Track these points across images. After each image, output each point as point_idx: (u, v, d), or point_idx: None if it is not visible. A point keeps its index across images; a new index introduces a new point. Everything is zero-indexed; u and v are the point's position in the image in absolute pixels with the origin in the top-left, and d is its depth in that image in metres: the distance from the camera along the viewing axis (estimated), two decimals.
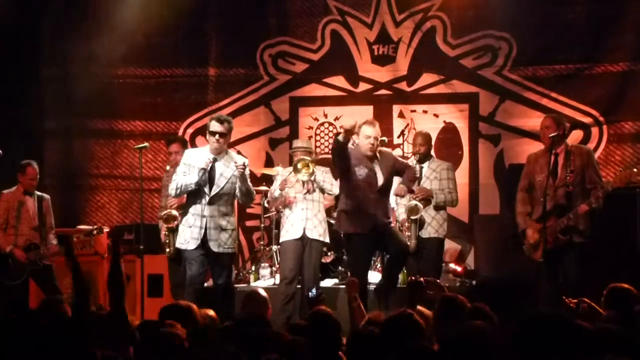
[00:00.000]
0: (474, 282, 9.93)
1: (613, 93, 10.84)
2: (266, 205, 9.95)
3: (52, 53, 11.68)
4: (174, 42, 11.64)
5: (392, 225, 8.70)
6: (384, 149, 8.79)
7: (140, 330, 5.21)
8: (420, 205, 9.11)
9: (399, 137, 10.86)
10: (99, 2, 11.50)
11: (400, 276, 9.39)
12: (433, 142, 10.16)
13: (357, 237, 8.38)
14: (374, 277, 9.61)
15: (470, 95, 11.27)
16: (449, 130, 11.26)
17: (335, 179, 8.98)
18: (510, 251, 9.42)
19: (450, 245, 10.44)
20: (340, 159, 8.30)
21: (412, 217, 9.10)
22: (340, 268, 10.03)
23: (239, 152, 11.28)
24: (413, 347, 4.30)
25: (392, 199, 9.13)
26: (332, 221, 9.98)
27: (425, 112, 11.32)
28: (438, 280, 8.08)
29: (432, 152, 9.75)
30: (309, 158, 9.06)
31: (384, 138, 9.91)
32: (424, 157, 9.37)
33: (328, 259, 10.11)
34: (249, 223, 11.50)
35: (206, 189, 8.25)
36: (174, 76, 11.79)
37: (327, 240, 9.33)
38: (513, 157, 10.92)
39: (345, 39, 11.52)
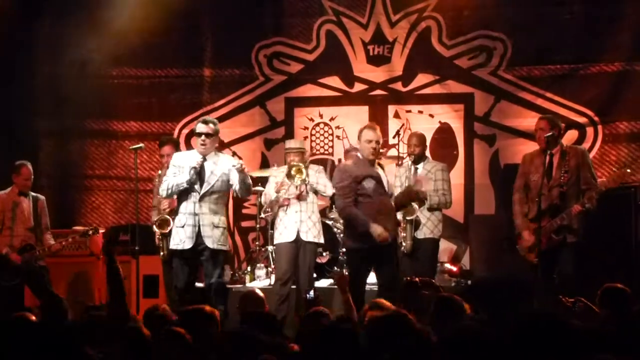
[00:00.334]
0: (469, 282, 9.94)
1: (608, 93, 10.85)
2: (263, 203, 9.94)
3: (46, 53, 11.66)
4: (169, 42, 11.62)
5: (396, 244, 8.60)
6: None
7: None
8: (415, 205, 9.11)
9: (394, 137, 10.83)
10: (94, 2, 11.48)
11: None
12: (428, 143, 10.19)
13: (355, 253, 8.35)
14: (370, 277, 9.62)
15: (466, 96, 11.27)
16: (444, 131, 11.27)
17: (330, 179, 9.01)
18: (506, 251, 9.44)
19: (445, 245, 10.45)
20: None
21: (408, 218, 9.10)
22: (335, 268, 10.02)
23: (234, 154, 11.35)
24: (409, 346, 4.30)
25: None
26: (329, 222, 10.01)
27: (420, 112, 11.33)
28: (433, 281, 8.10)
29: (427, 153, 9.75)
30: (301, 164, 9.07)
31: None
32: (418, 158, 9.36)
33: (324, 259, 10.11)
34: (244, 224, 11.50)
35: (197, 187, 8.31)
36: (169, 77, 11.77)
37: (322, 240, 9.35)
38: (508, 157, 10.93)
39: (340, 39, 11.52)
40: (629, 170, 8.74)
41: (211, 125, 8.40)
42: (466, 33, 11.20)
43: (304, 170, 8.98)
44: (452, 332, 4.28)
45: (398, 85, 11.37)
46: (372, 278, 9.45)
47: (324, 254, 10.09)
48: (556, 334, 4.04)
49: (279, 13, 11.67)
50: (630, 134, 10.81)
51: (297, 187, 9.11)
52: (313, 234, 9.18)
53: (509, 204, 8.79)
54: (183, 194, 8.39)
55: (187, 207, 8.35)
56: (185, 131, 11.61)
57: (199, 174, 8.31)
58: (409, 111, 11.32)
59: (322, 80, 11.54)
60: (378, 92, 11.44)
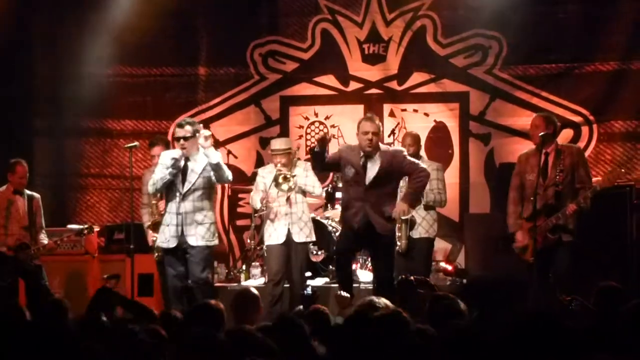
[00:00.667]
0: (464, 281, 9.95)
1: (603, 92, 10.85)
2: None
3: (42, 51, 11.65)
4: (164, 41, 11.62)
5: (392, 243, 8.55)
6: (392, 148, 8.78)
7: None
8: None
9: (389, 136, 10.85)
10: (90, 1, 11.46)
11: None
12: (423, 142, 10.19)
13: (344, 230, 8.55)
14: (365, 275, 9.63)
15: (461, 94, 11.27)
16: (440, 129, 11.27)
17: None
18: (501, 250, 9.44)
19: (440, 244, 10.45)
20: (318, 167, 8.55)
21: (403, 218, 9.09)
22: (330, 267, 10.02)
23: (229, 152, 11.36)
24: (407, 344, 4.30)
25: None
26: (324, 220, 10.00)
27: (415, 111, 11.32)
28: (428, 280, 8.10)
29: (422, 153, 9.74)
30: (287, 173, 9.04)
31: None
32: (413, 158, 9.32)
33: (318, 257, 10.10)
34: (239, 222, 11.50)
35: (179, 187, 8.38)
36: (164, 75, 11.77)
37: (314, 238, 9.36)
38: (503, 156, 10.93)
39: (335, 38, 11.51)
40: (623, 170, 8.74)
41: (187, 127, 8.40)
42: (461, 32, 11.19)
43: (291, 178, 8.98)
44: (448, 331, 4.28)
45: (393, 84, 11.37)
46: (362, 277, 9.50)
47: (319, 252, 10.08)
48: (552, 334, 4.04)
49: (274, 12, 11.66)
50: (625, 133, 10.81)
51: (286, 194, 9.10)
52: (305, 233, 9.19)
53: (504, 203, 8.79)
54: (169, 194, 8.49)
55: (171, 206, 8.45)
56: None
57: (183, 173, 8.38)
58: (404, 110, 11.32)
59: (317, 79, 11.54)
60: (373, 90, 11.43)
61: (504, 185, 8.89)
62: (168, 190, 8.49)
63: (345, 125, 11.14)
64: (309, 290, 8.59)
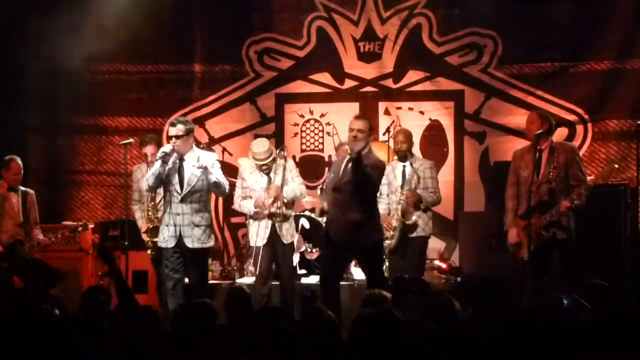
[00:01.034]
0: (458, 279, 9.95)
1: (598, 91, 10.88)
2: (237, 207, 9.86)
3: (36, 48, 11.60)
4: (159, 38, 11.60)
5: (376, 245, 8.31)
6: (377, 156, 8.51)
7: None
8: (416, 213, 9.12)
9: (384, 134, 10.84)
10: None
11: (385, 273, 9.42)
12: (419, 140, 10.19)
13: (328, 240, 8.28)
14: (359, 273, 9.62)
15: (456, 93, 11.28)
16: (435, 128, 11.28)
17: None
18: (495, 248, 9.46)
19: (435, 242, 10.45)
20: None
21: (408, 222, 9.08)
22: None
23: (224, 150, 11.35)
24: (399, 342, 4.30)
25: (386, 200, 9.16)
26: (319, 219, 9.99)
27: (410, 109, 11.33)
28: (422, 278, 8.11)
29: (414, 150, 9.73)
30: (282, 214, 8.94)
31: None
32: (405, 155, 9.32)
33: (313, 255, 10.11)
34: (234, 220, 11.49)
35: (177, 189, 8.40)
36: (160, 72, 11.76)
37: (296, 236, 9.29)
38: (498, 154, 10.95)
39: (331, 35, 11.51)
40: (616, 166, 8.75)
41: (180, 126, 8.41)
42: (457, 30, 11.21)
43: (281, 202, 8.91)
44: (443, 329, 4.29)
45: (389, 82, 11.38)
46: (357, 275, 9.49)
47: (314, 250, 10.08)
48: (547, 332, 4.04)
49: (270, 9, 11.66)
50: (619, 132, 10.83)
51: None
52: (291, 234, 9.10)
53: (499, 201, 8.80)
54: (167, 194, 8.52)
55: (170, 206, 8.50)
56: None
57: (179, 175, 8.40)
58: (400, 108, 11.33)
59: (312, 77, 11.54)
60: (368, 88, 11.44)
61: (499, 183, 8.90)
62: (166, 191, 8.52)
63: (340, 123, 11.13)
64: (307, 291, 8.53)
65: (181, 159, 8.42)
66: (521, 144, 9.27)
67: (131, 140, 9.81)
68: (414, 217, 9.05)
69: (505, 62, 11.11)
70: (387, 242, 8.97)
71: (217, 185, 8.45)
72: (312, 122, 11.58)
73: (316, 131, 11.51)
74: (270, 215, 8.92)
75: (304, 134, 11.57)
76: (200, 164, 8.33)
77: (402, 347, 4.28)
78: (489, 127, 11.17)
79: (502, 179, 8.74)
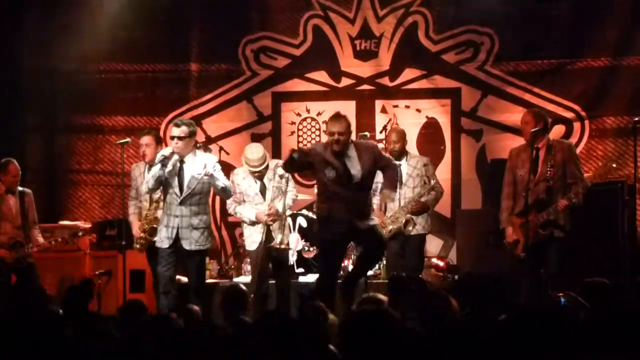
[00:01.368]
0: (456, 277, 9.95)
1: (595, 88, 10.88)
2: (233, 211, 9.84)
3: (33, 48, 11.60)
4: (155, 37, 11.59)
5: (374, 225, 8.10)
6: (363, 141, 8.46)
7: None
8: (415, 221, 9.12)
9: (381, 132, 10.84)
10: None
11: (382, 272, 9.42)
12: (415, 138, 10.18)
13: (328, 243, 8.10)
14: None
15: (453, 91, 11.27)
16: (431, 126, 11.27)
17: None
18: (492, 246, 9.46)
19: (432, 240, 10.45)
20: (292, 172, 8.66)
21: (410, 230, 9.09)
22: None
23: (221, 148, 11.34)
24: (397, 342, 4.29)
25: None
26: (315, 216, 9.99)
27: (407, 107, 11.32)
28: (420, 276, 8.11)
29: (413, 149, 9.73)
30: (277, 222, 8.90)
31: (366, 133, 9.92)
32: (399, 154, 9.29)
33: (310, 254, 10.10)
34: (231, 218, 11.46)
35: (177, 191, 8.40)
36: (156, 71, 11.75)
37: (288, 237, 9.25)
38: (495, 152, 10.94)
39: (327, 34, 11.50)
40: (614, 165, 8.75)
41: (183, 127, 8.39)
42: (453, 28, 11.20)
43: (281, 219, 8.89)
44: (440, 328, 4.28)
45: (385, 80, 11.37)
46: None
47: (311, 248, 10.07)
48: (545, 330, 4.04)
49: (266, 8, 11.64)
50: (617, 129, 10.82)
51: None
52: (285, 233, 9.07)
53: (496, 199, 8.80)
54: (167, 195, 8.50)
55: (169, 208, 8.50)
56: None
57: (179, 177, 8.39)
58: (396, 106, 11.32)
59: (309, 75, 11.53)
60: (365, 87, 11.43)
61: (496, 181, 8.90)
62: (166, 193, 8.50)
63: None
64: (306, 290, 8.53)
65: (181, 162, 8.40)
66: (518, 141, 9.25)
67: (128, 139, 9.80)
68: (414, 227, 9.09)
69: (501, 59, 11.10)
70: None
71: (224, 190, 8.50)
72: (308, 120, 11.57)
73: (313, 129, 11.50)
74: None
75: (300, 133, 11.56)
76: (206, 171, 8.29)
77: (398, 346, 4.27)
78: (486, 124, 11.16)
79: (499, 176, 8.73)
